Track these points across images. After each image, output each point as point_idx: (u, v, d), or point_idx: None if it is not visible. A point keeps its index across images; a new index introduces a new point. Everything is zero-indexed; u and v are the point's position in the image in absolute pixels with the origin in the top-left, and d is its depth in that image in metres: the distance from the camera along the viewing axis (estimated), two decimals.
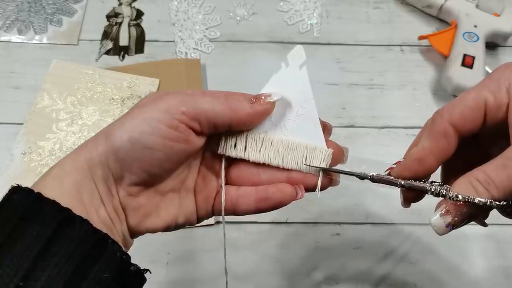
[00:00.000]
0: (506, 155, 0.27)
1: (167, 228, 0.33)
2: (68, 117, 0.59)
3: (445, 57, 0.64)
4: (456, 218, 0.28)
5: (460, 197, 0.28)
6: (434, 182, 0.31)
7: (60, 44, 0.67)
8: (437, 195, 0.30)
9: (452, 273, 0.52)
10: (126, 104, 0.60)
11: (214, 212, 0.34)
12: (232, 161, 0.34)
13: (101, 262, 0.27)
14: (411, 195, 0.33)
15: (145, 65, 0.64)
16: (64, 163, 0.29)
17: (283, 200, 0.32)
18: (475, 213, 0.28)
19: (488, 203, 0.27)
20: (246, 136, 0.33)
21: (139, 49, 0.67)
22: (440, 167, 0.33)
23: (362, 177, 0.32)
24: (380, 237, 0.54)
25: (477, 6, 0.67)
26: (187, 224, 0.34)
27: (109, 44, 0.67)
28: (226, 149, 0.33)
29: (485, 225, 0.32)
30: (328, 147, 0.33)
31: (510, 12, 0.66)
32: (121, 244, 0.29)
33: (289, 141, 0.33)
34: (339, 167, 0.34)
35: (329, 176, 0.33)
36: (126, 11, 0.70)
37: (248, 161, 0.33)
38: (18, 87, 0.63)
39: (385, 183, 0.32)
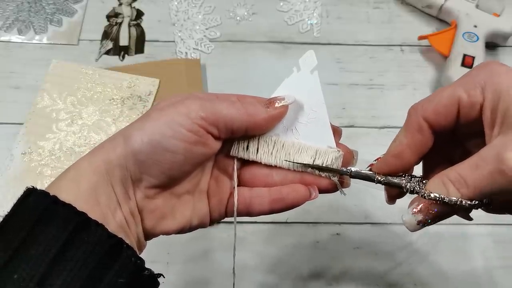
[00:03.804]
0: (480, 155, 0.27)
1: (181, 230, 0.33)
2: (68, 117, 0.59)
3: (445, 57, 0.64)
4: (427, 217, 0.28)
5: (432, 195, 0.28)
6: (414, 177, 0.31)
7: (60, 44, 0.67)
8: (412, 192, 0.31)
9: (452, 272, 0.52)
10: (126, 104, 0.60)
11: (227, 213, 0.34)
12: (244, 163, 0.34)
13: (116, 267, 0.27)
14: (394, 192, 0.33)
15: (145, 65, 0.64)
16: (80, 165, 0.29)
17: (298, 200, 0.32)
18: (447, 211, 0.28)
19: (458, 202, 0.27)
20: (258, 138, 0.33)
21: (139, 49, 0.67)
22: (421, 163, 0.33)
23: (341, 173, 0.33)
24: (379, 237, 0.54)
25: (477, 6, 0.67)
26: (201, 226, 0.34)
27: (109, 44, 0.67)
28: (238, 151, 0.33)
29: (469, 218, 0.32)
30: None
31: (510, 12, 0.66)
32: (135, 247, 0.29)
33: (300, 144, 0.33)
34: None
35: (341, 179, 0.33)
36: (126, 11, 0.70)
37: (260, 163, 0.34)
38: (18, 87, 0.63)
39: (363, 179, 0.32)
